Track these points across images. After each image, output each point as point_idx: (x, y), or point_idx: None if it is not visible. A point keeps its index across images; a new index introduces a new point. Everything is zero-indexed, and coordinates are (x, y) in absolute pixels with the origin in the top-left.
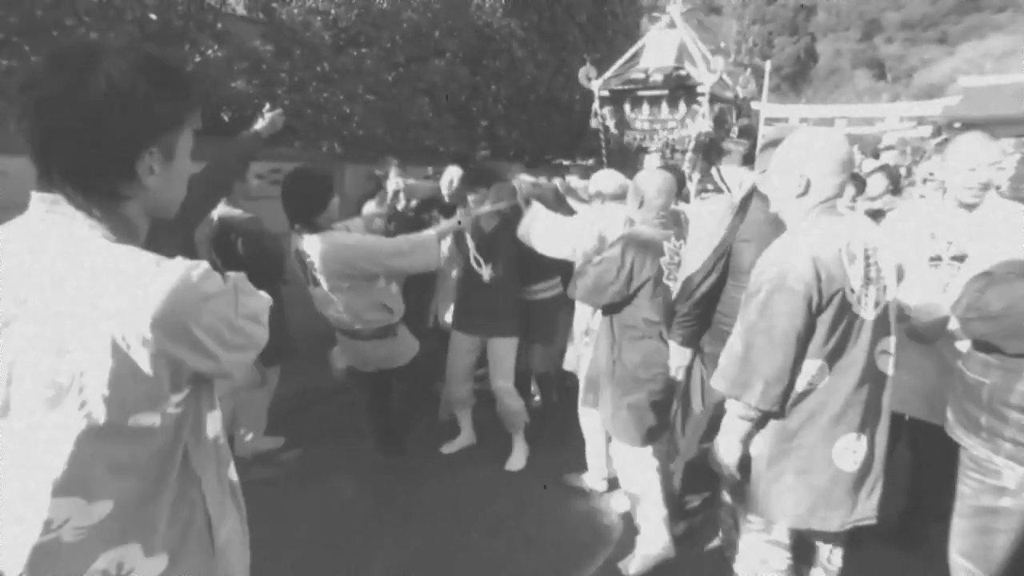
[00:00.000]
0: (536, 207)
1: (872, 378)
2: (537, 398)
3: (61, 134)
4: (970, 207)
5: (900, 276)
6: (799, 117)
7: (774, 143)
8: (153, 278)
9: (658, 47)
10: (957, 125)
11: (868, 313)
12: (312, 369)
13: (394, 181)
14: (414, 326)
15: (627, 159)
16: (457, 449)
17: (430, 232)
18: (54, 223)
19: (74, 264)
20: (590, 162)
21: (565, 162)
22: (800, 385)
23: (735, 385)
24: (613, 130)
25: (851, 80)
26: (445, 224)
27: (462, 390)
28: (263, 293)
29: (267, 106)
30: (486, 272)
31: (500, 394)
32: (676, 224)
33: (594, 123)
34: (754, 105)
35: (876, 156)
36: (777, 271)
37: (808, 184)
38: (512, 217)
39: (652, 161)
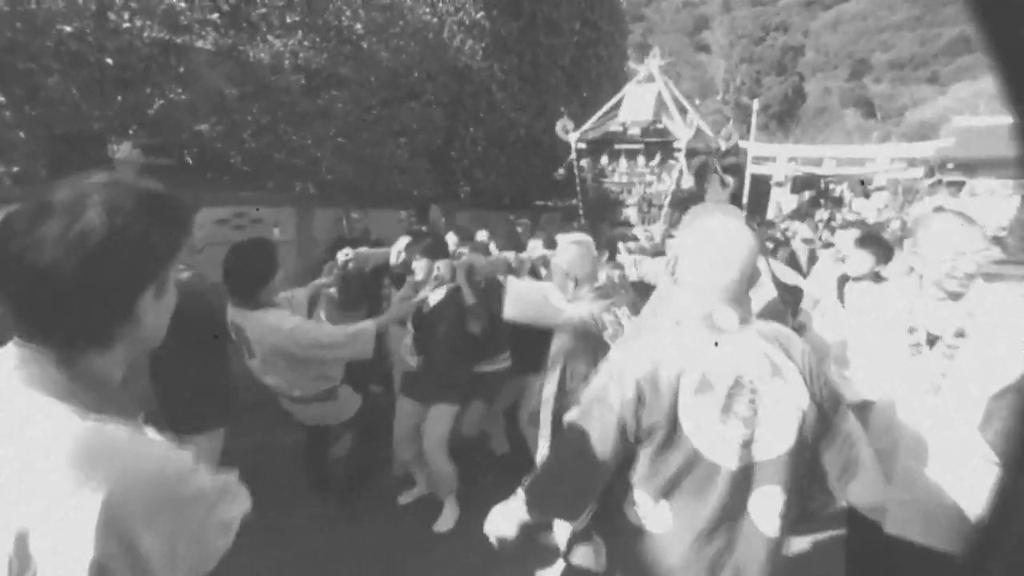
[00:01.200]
0: (513, 285)
1: (733, 534)
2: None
3: (56, 284)
4: (956, 296)
5: (804, 422)
6: (787, 156)
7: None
8: (115, 461)
9: (636, 100)
10: (950, 166)
11: (726, 459)
12: (266, 427)
13: (343, 253)
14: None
15: (605, 210)
16: (413, 499)
17: (368, 324)
18: (23, 384)
19: (39, 437)
20: (573, 202)
21: (548, 203)
22: (636, 517)
23: (541, 495)
24: (591, 181)
25: (840, 119)
26: (386, 315)
27: (407, 452)
28: (245, 496)
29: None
30: (414, 361)
31: (430, 458)
32: (615, 290)
33: (560, 175)
34: (741, 143)
35: (867, 196)
36: (607, 375)
37: (675, 264)
38: (455, 297)
39: (631, 214)
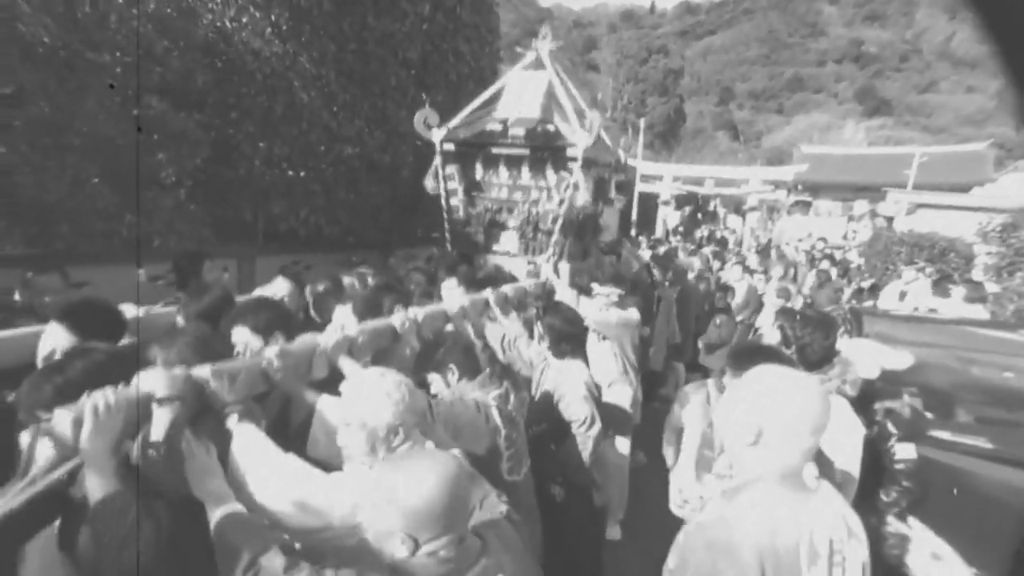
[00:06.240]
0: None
1: None
2: None
3: None
4: None
5: None
6: (671, 176)
7: None
8: None
9: (520, 92)
10: (800, 187)
11: None
12: None
13: None
14: None
15: (477, 241)
16: None
17: None
18: None
19: None
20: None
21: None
22: None
23: None
24: (461, 196)
25: (713, 140)
26: None
27: None
28: None
29: None
30: None
31: None
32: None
33: (431, 186)
34: (630, 161)
35: (741, 214)
36: (704, 549)
37: (760, 434)
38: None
39: (511, 240)
